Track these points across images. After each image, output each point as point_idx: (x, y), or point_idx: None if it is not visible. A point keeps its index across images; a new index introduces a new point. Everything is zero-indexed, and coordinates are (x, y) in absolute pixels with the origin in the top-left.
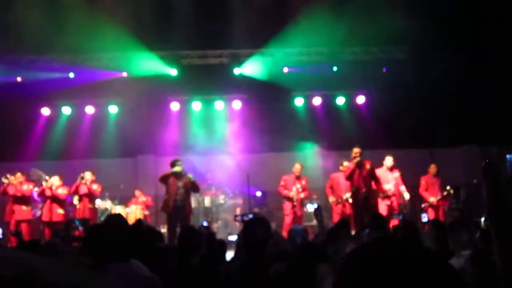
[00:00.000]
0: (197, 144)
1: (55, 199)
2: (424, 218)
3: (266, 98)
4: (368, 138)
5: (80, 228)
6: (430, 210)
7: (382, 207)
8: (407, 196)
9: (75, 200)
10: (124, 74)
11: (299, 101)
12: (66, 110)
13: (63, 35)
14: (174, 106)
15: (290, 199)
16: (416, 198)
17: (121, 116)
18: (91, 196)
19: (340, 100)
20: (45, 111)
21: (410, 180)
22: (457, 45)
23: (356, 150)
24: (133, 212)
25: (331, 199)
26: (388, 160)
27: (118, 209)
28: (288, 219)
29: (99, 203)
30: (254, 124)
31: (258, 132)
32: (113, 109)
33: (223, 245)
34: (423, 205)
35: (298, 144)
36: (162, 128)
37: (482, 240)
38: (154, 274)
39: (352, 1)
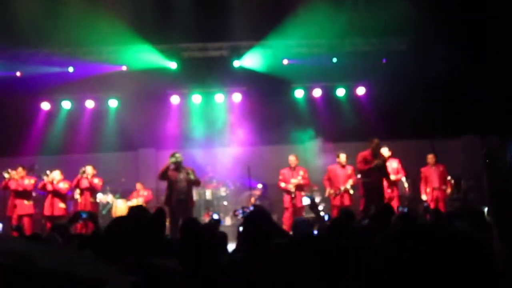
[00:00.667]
0: (198, 137)
1: (56, 193)
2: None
3: (266, 90)
4: (369, 129)
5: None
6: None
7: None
8: (406, 185)
9: (76, 194)
10: (124, 67)
11: (299, 93)
12: (66, 105)
13: (62, 29)
14: (174, 99)
15: (288, 192)
16: (417, 189)
17: (121, 110)
18: (92, 190)
19: (340, 92)
20: (45, 105)
21: (411, 171)
22: (457, 36)
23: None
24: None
25: (329, 191)
26: (384, 151)
27: (119, 203)
28: (287, 212)
29: (100, 197)
30: (254, 116)
31: (258, 125)
32: (113, 103)
33: (225, 237)
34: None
35: (298, 136)
36: (163, 121)
37: (481, 228)
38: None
39: None
